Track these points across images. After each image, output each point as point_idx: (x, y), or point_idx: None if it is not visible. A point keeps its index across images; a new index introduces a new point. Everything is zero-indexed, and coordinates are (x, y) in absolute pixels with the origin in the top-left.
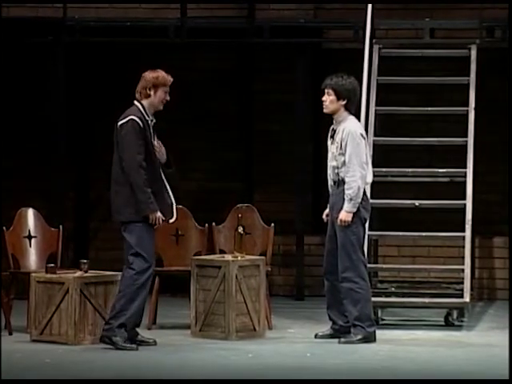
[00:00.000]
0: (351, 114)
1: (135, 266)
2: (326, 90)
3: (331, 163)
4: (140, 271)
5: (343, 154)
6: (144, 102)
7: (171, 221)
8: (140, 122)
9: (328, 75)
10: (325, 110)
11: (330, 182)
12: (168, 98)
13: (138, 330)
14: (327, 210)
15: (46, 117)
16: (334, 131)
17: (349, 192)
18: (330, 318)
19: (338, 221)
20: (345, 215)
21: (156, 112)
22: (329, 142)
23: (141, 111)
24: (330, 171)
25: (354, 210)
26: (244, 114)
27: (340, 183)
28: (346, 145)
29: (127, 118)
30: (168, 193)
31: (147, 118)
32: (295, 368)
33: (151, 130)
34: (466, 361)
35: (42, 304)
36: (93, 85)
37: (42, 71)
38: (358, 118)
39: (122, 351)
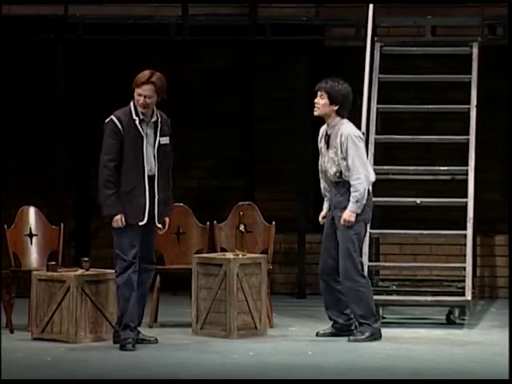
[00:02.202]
0: (343, 118)
1: (117, 268)
2: (319, 93)
3: (331, 169)
4: (120, 272)
5: (345, 159)
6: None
7: (140, 224)
8: (118, 122)
9: (330, 73)
10: (316, 113)
11: (323, 185)
12: (141, 101)
13: (139, 328)
14: (323, 212)
15: (47, 115)
16: (329, 136)
17: (355, 194)
18: (331, 318)
19: (342, 220)
20: (349, 215)
21: (160, 109)
22: (322, 146)
23: (130, 110)
24: (328, 175)
25: (359, 211)
26: (245, 111)
27: (344, 184)
28: (346, 149)
29: (108, 118)
30: (144, 195)
31: (135, 117)
32: (297, 366)
33: (141, 129)
34: (467, 359)
35: (43, 302)
36: (93, 83)
37: (42, 69)
38: (360, 116)
39: (123, 350)
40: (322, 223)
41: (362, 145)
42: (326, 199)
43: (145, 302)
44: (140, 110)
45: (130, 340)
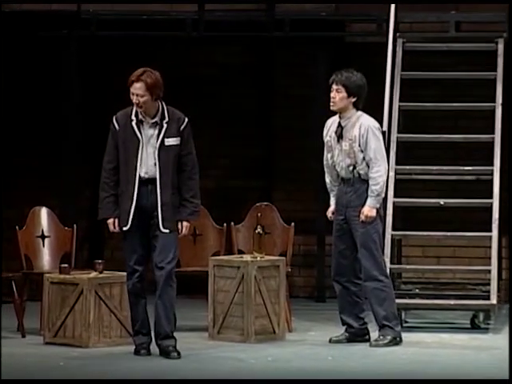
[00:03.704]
0: (358, 110)
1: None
2: (335, 86)
3: (344, 162)
4: (127, 278)
5: (362, 151)
6: None
7: (124, 229)
8: (115, 122)
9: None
10: (333, 108)
11: (329, 179)
12: (135, 100)
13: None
14: (331, 208)
15: (60, 113)
16: (342, 127)
17: (376, 188)
18: (344, 323)
19: (363, 217)
20: (369, 210)
21: (175, 107)
22: (329, 139)
23: (131, 110)
24: (339, 169)
25: (378, 205)
26: (264, 109)
27: (356, 180)
28: (366, 141)
29: None
30: (131, 200)
31: (133, 117)
32: (316, 372)
33: (137, 130)
34: (492, 364)
35: (56, 306)
36: (107, 80)
37: (55, 66)
38: (381, 114)
39: (137, 355)
40: (330, 219)
41: (381, 137)
42: (332, 194)
43: (163, 309)
44: (138, 109)
45: (144, 345)
